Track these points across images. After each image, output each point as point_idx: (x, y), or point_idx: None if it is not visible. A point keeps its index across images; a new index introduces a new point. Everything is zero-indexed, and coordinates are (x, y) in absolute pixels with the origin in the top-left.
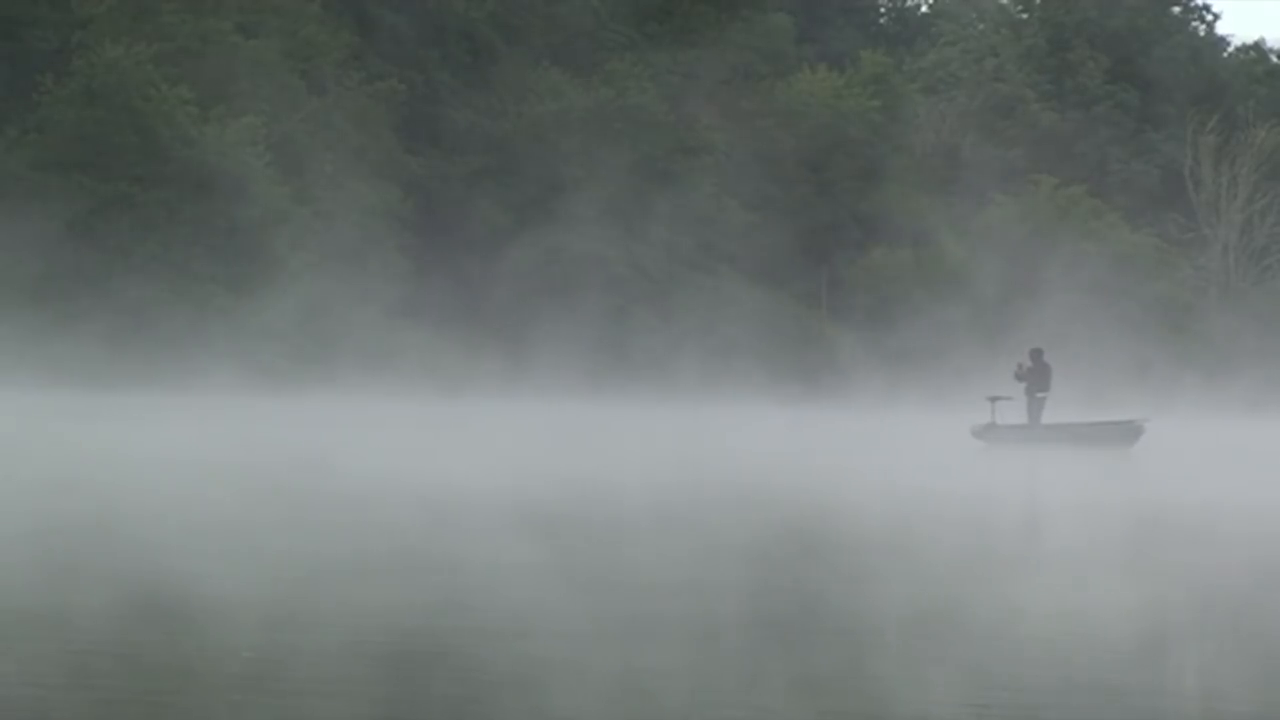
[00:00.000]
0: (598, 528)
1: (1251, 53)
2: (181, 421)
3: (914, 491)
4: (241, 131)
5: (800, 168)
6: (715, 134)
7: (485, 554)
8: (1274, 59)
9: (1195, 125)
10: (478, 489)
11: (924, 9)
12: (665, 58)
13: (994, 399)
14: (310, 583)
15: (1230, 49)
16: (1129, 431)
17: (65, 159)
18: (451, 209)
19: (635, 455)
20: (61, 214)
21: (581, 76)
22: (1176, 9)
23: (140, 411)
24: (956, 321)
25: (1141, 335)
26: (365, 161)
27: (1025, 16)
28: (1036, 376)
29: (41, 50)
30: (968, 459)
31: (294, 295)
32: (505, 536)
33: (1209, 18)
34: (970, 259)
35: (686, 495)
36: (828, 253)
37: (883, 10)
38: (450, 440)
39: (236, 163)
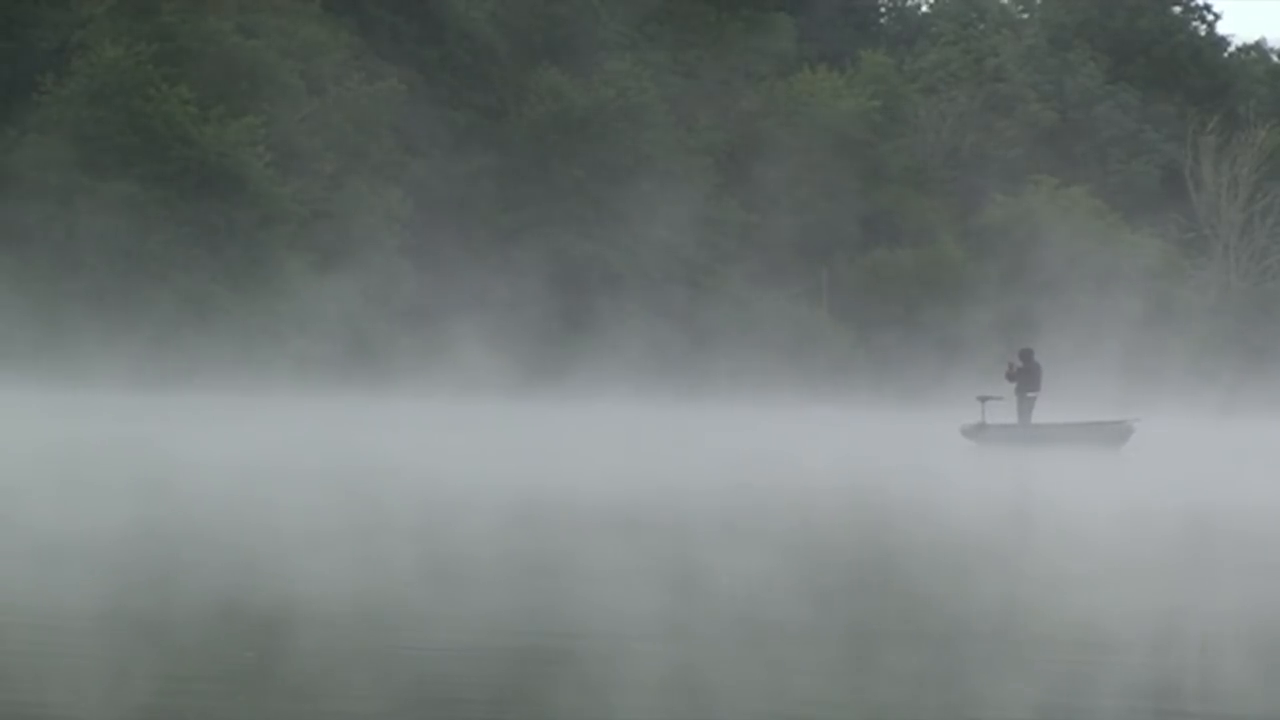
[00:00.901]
0: (679, 530)
1: (1251, 53)
2: (225, 422)
3: (970, 497)
4: (241, 131)
5: (800, 168)
6: (715, 134)
7: (584, 557)
8: (1274, 59)
9: (1195, 125)
10: (557, 490)
11: (924, 9)
12: (665, 58)
13: (984, 399)
14: (422, 586)
15: (1230, 49)
16: (1119, 432)
17: (65, 159)
18: (452, 210)
19: (670, 453)
20: (61, 214)
21: (581, 76)
22: (1176, 9)
23: (170, 413)
24: (955, 321)
25: (1141, 335)
26: (365, 162)
27: (1025, 16)
28: (1026, 376)
29: (41, 50)
30: (990, 461)
31: (294, 295)
32: (598, 539)
33: (1209, 18)
34: (970, 259)
35: (751, 498)
36: (828, 253)
37: (883, 10)
38: (503, 442)
39: (237, 163)
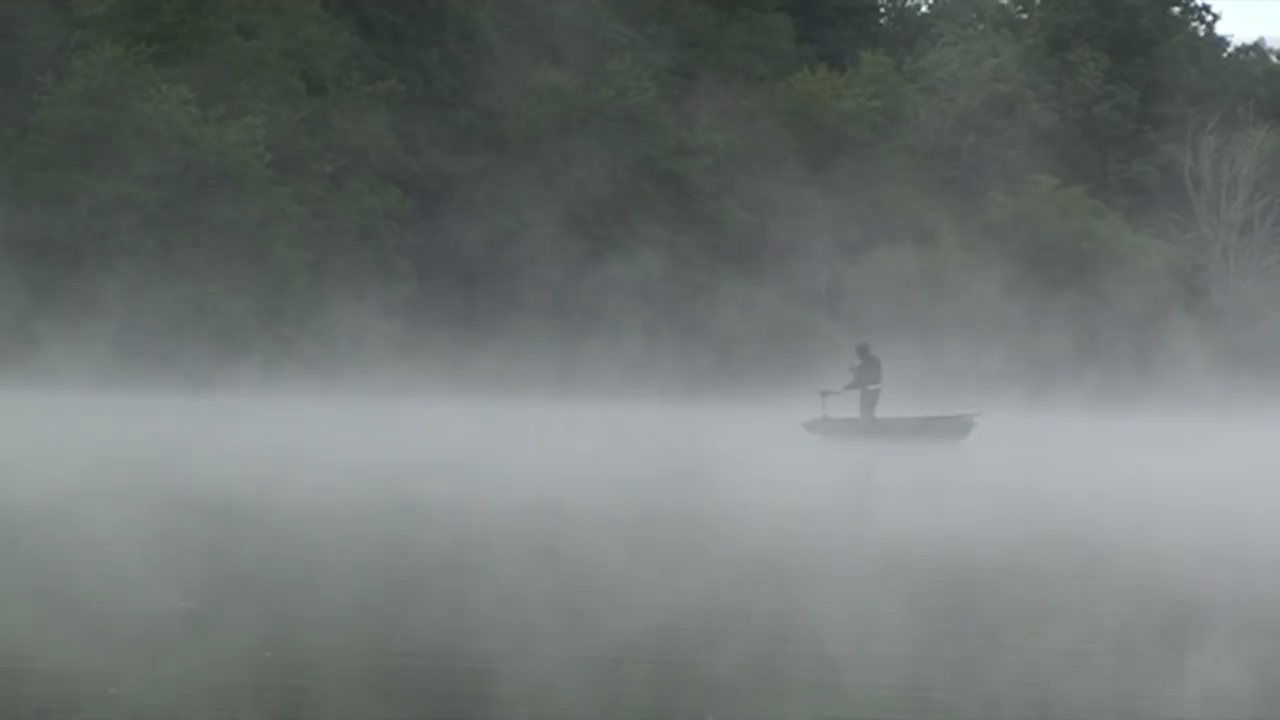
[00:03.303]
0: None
1: (1251, 53)
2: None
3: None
4: (241, 131)
5: (800, 168)
6: (715, 134)
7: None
8: (1274, 59)
9: (1195, 125)
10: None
11: (924, 9)
12: (665, 58)
13: (824, 393)
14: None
15: (1230, 49)
16: (960, 426)
17: (65, 159)
18: (451, 210)
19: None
20: (61, 214)
21: (581, 76)
22: (1176, 9)
23: (181, 414)
24: (956, 321)
25: (1140, 334)
26: (365, 161)
27: (1025, 16)
28: (867, 371)
29: (41, 50)
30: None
31: (293, 295)
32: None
33: (1209, 18)
34: (970, 259)
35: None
36: (828, 253)
37: (883, 10)
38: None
39: (237, 163)
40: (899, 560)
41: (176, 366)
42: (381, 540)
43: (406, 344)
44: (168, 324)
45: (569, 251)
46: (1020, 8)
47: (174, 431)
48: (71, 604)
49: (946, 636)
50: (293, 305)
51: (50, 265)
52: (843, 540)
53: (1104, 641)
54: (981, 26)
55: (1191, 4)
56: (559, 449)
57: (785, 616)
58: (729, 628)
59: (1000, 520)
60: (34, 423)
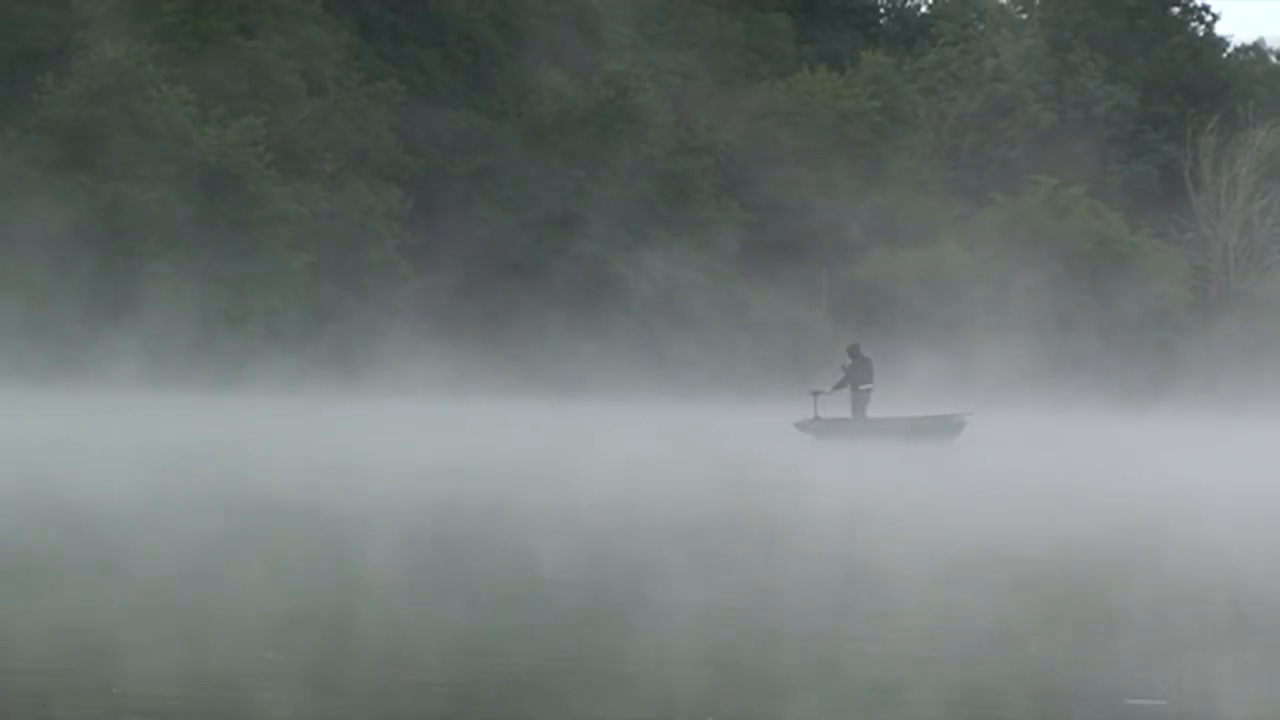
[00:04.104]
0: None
1: (1251, 53)
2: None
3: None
4: (242, 132)
5: (800, 168)
6: (715, 134)
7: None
8: (1274, 59)
9: (1195, 125)
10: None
11: (924, 9)
12: (665, 58)
13: (816, 393)
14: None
15: (1230, 49)
16: (951, 425)
17: (65, 159)
18: (451, 210)
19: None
20: (61, 215)
21: (582, 77)
22: (1176, 9)
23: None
24: (957, 322)
25: (1139, 334)
26: (365, 162)
27: (1025, 16)
28: (858, 371)
29: (41, 50)
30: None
31: (294, 295)
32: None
33: (1209, 18)
34: (970, 259)
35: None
36: (828, 253)
37: (883, 10)
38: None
39: (237, 163)
40: (945, 560)
41: (200, 367)
42: (440, 541)
43: (413, 345)
44: (186, 325)
45: (571, 252)
46: (1020, 8)
47: (218, 434)
48: (163, 611)
49: (1013, 637)
50: (297, 306)
51: (54, 266)
52: (900, 542)
53: (1170, 641)
54: (981, 26)
55: (1191, 4)
56: (594, 452)
57: (850, 618)
58: (787, 631)
59: (1048, 522)
60: (83, 425)
